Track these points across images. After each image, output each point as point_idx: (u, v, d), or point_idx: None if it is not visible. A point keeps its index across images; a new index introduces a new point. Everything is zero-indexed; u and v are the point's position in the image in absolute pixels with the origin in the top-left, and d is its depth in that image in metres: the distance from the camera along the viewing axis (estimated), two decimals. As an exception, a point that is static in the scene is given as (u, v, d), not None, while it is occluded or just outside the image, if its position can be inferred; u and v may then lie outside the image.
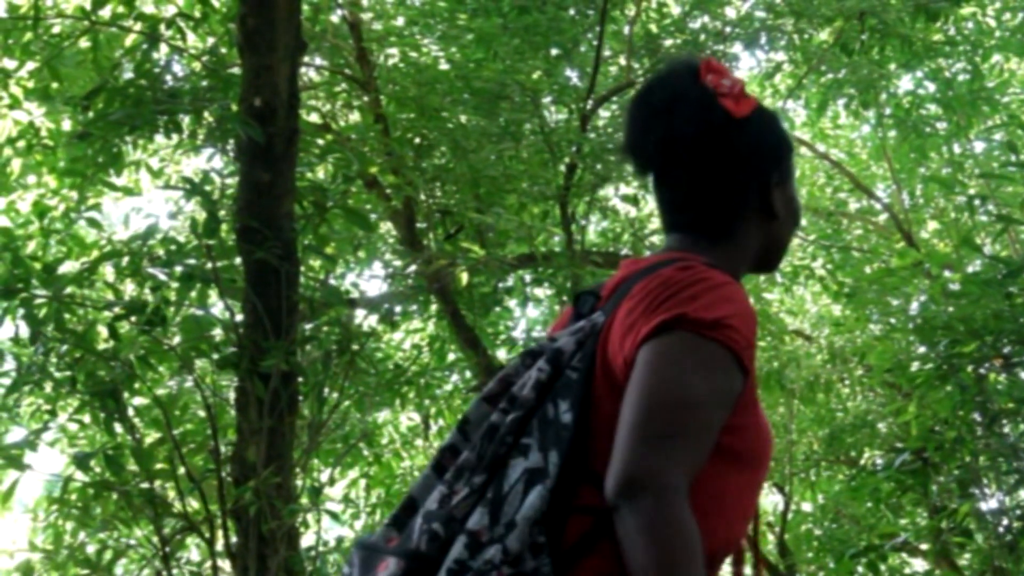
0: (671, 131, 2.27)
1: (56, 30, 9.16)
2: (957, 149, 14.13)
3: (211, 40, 8.63)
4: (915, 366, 8.59)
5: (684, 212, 2.31)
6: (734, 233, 2.29)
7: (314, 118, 10.83)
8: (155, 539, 6.65)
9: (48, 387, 6.88)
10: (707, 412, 2.01)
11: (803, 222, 15.88)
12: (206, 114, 7.20)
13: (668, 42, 11.41)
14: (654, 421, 1.98)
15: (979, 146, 14.34)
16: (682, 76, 2.31)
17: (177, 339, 7.00)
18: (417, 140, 10.38)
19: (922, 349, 8.72)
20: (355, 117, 11.25)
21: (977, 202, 9.86)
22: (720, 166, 2.27)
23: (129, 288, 7.33)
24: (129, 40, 8.69)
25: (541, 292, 11.55)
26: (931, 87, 13.19)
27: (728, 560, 2.24)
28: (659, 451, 1.95)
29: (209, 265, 6.57)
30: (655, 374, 2.02)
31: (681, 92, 2.29)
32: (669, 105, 2.28)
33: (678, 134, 2.26)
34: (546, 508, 1.99)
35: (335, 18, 10.93)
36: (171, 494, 6.81)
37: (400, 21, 11.42)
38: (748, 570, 2.28)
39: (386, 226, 11.30)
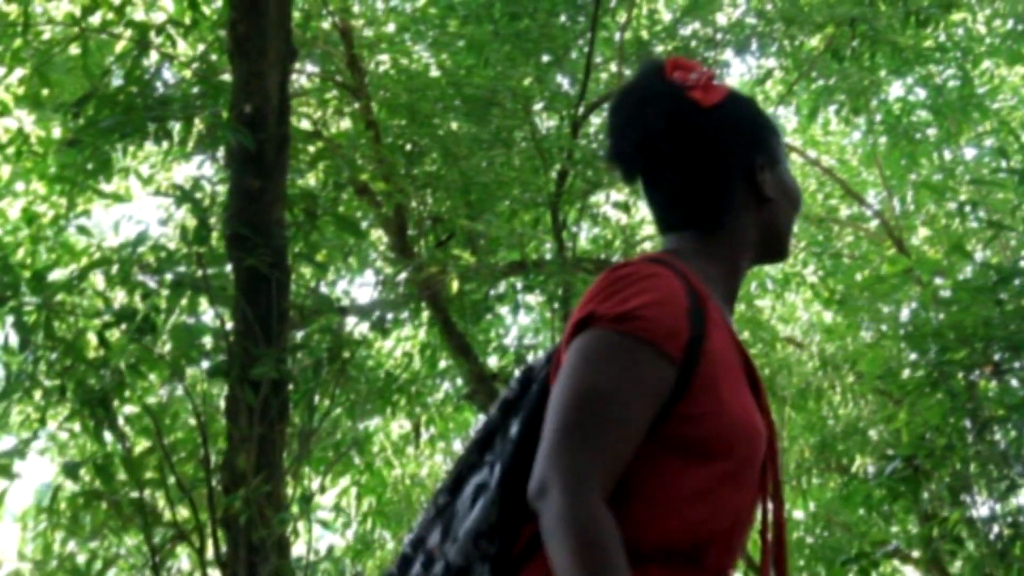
0: (645, 131, 2.27)
1: (46, 36, 9.15)
2: (948, 155, 14.16)
3: (201, 47, 8.62)
4: (906, 373, 8.59)
5: (674, 211, 2.30)
6: (726, 224, 2.27)
7: (305, 125, 10.82)
8: (145, 548, 6.63)
9: (38, 395, 6.85)
10: (617, 404, 2.01)
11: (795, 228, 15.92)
12: (196, 121, 7.19)
13: (659, 48, 11.42)
14: (564, 419, 2.00)
15: (970, 152, 14.37)
16: (649, 77, 2.33)
17: (167, 347, 6.97)
18: (408, 147, 10.38)
19: (913, 356, 8.72)
20: (346, 124, 11.25)
21: (968, 208, 9.86)
22: (698, 157, 2.26)
23: (119, 296, 7.31)
24: (119, 47, 8.68)
25: (532, 299, 11.54)
26: (922, 93, 13.22)
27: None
28: (567, 448, 1.97)
29: (200, 272, 6.55)
30: (566, 374, 2.06)
31: (650, 92, 2.30)
32: (640, 106, 2.29)
33: (652, 132, 2.26)
34: (493, 520, 2.05)
35: (326, 25, 10.92)
36: (161, 503, 6.79)
37: (391, 27, 11.42)
38: None
39: (377, 233, 11.29)
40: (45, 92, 8.99)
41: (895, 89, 13.58)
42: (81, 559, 7.02)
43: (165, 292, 6.73)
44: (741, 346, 2.22)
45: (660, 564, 2.02)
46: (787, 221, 2.34)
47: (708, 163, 2.27)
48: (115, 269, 6.83)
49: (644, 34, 11.78)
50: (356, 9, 11.31)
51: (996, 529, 8.26)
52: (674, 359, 2.06)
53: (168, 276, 6.68)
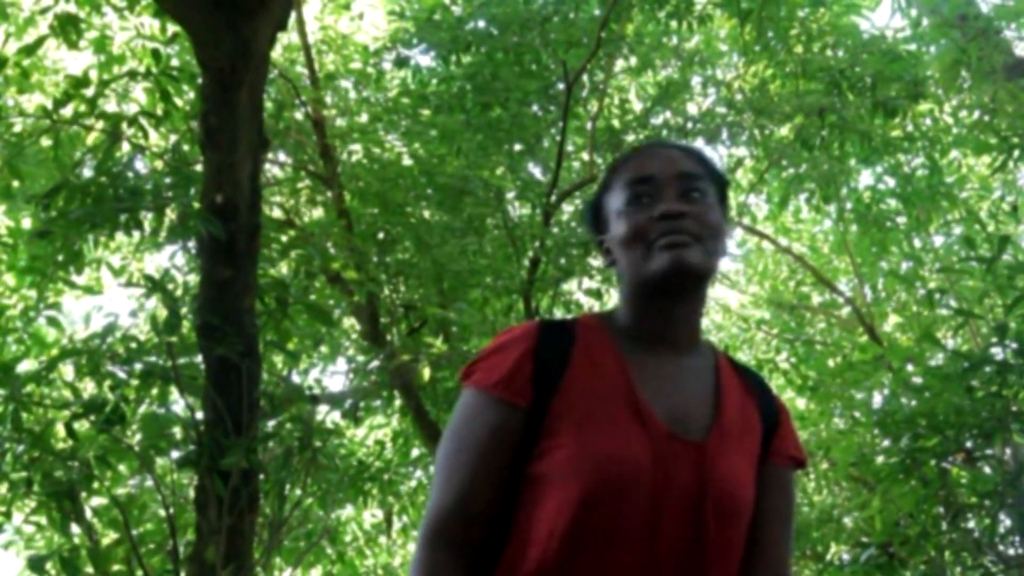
0: None
1: (17, 128, 9.16)
2: (917, 243, 14.25)
3: (173, 138, 8.64)
4: (879, 460, 8.58)
5: None
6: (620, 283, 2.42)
7: (277, 214, 10.84)
8: (111, 643, 6.53)
9: (3, 488, 6.78)
10: (462, 451, 2.21)
11: (766, 315, 15.94)
12: (168, 211, 7.18)
13: (630, 137, 11.51)
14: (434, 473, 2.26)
15: (938, 240, 14.47)
16: None
17: (137, 438, 6.92)
18: (380, 235, 10.40)
19: (886, 443, 8.71)
20: (318, 213, 11.27)
21: (937, 296, 9.90)
22: None
23: (89, 386, 7.26)
24: (91, 138, 8.70)
25: (505, 387, 11.48)
26: (891, 182, 13.32)
27: None
28: (429, 498, 2.22)
29: (170, 363, 6.52)
30: None
31: None
32: None
33: None
34: None
35: (299, 115, 10.98)
36: (128, 596, 6.70)
37: (364, 117, 11.48)
38: None
39: (349, 321, 11.28)
40: (16, 184, 8.99)
41: (864, 178, 13.71)
42: (46, 655, 6.90)
43: (135, 382, 6.69)
44: (633, 383, 2.26)
45: None
46: (634, 258, 2.33)
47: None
48: (84, 360, 6.79)
49: (616, 123, 11.88)
50: (329, 99, 11.38)
51: (971, 617, 8.22)
52: (514, 401, 2.21)
53: (138, 366, 6.64)
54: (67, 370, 7.23)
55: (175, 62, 8.89)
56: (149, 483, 7.55)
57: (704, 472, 2.20)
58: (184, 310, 6.85)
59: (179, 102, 8.40)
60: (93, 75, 8.74)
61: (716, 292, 16.27)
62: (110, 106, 9.15)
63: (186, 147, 8.30)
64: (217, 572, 6.05)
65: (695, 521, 2.18)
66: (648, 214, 2.31)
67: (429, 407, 10.48)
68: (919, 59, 11.96)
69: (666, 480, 2.17)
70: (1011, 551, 8.23)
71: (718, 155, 12.59)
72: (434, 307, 10.15)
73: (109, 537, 7.01)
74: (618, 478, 2.15)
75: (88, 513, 6.59)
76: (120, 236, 8.14)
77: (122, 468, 7.48)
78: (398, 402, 10.82)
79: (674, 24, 11.49)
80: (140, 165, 8.23)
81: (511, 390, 2.21)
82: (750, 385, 2.42)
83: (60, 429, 6.85)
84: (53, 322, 8.30)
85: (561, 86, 10.64)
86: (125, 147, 7.97)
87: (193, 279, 7.53)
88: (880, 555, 8.50)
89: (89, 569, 6.47)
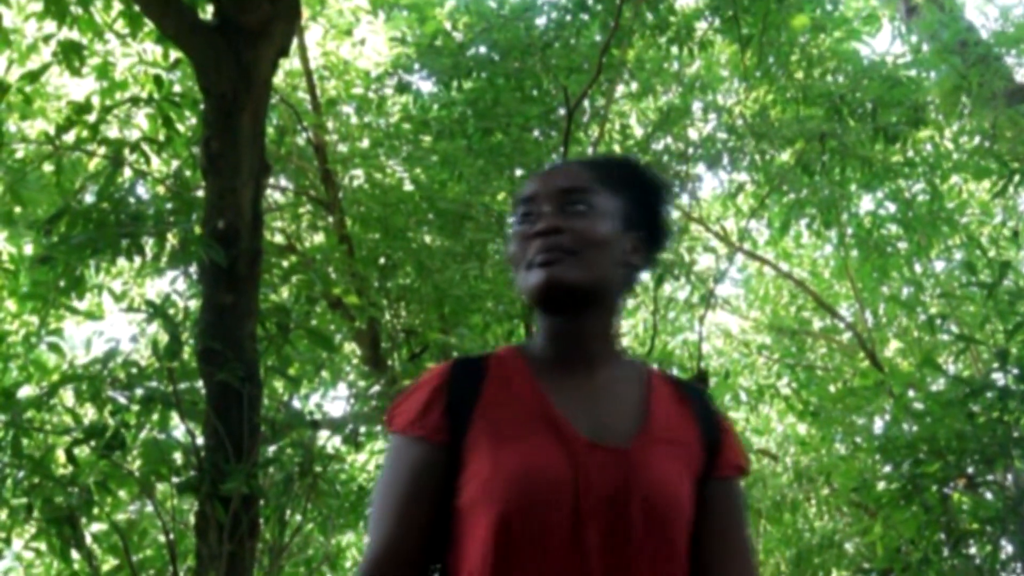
0: None
1: (20, 154, 9.18)
2: (918, 269, 14.24)
3: (175, 163, 8.66)
4: (880, 485, 8.56)
5: None
6: None
7: (278, 239, 10.85)
8: (111, 669, 6.51)
9: (3, 514, 6.77)
10: (389, 496, 2.23)
11: (767, 340, 15.92)
12: (169, 236, 7.19)
13: (631, 162, 11.48)
14: None
15: (939, 265, 14.47)
16: None
17: (137, 463, 6.91)
18: (382, 260, 10.41)
19: (887, 468, 8.70)
20: (320, 238, 11.29)
21: (938, 321, 9.90)
22: None
23: (89, 412, 7.25)
24: (93, 164, 8.71)
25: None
26: (891, 207, 13.32)
27: None
28: (366, 544, 2.25)
29: (170, 388, 6.52)
30: None
31: None
32: None
33: None
34: None
35: (300, 140, 11.00)
36: (128, 623, 6.69)
37: (365, 143, 11.50)
38: None
39: (350, 346, 11.27)
40: (18, 209, 9.00)
41: (865, 203, 13.70)
42: None
43: (135, 408, 6.69)
44: (548, 401, 2.26)
45: None
46: (517, 277, 2.36)
47: None
48: (85, 385, 6.79)
49: (617, 148, 11.89)
50: (330, 125, 11.40)
51: (973, 644, 8.19)
52: (429, 438, 2.24)
53: (138, 392, 6.64)
54: (68, 396, 7.23)
55: (177, 88, 8.91)
56: (149, 509, 7.54)
57: (629, 476, 2.19)
58: (185, 335, 6.85)
59: (181, 128, 8.42)
60: (95, 101, 8.77)
61: (717, 317, 16.28)
62: (112, 132, 9.17)
63: (188, 173, 8.32)
64: (217, 598, 6.04)
65: (623, 525, 2.16)
66: (526, 233, 2.33)
67: (430, 432, 10.45)
68: (919, 85, 11.98)
69: (587, 488, 2.16)
70: (1013, 577, 8.22)
71: (719, 180, 12.60)
72: (435, 332, 10.15)
73: (109, 563, 7.00)
74: (535, 493, 2.15)
75: (88, 539, 6.58)
76: (121, 261, 8.14)
77: (122, 494, 7.47)
78: (399, 427, 10.80)
79: (675, 50, 11.52)
80: (142, 191, 8.25)
81: (425, 427, 2.24)
82: (690, 401, 2.39)
83: (60, 455, 6.84)
84: (54, 348, 8.30)
85: (562, 111, 10.66)
86: (127, 173, 7.99)
87: (194, 304, 7.52)
88: (882, 581, 8.48)
89: (89, 595, 6.48)
